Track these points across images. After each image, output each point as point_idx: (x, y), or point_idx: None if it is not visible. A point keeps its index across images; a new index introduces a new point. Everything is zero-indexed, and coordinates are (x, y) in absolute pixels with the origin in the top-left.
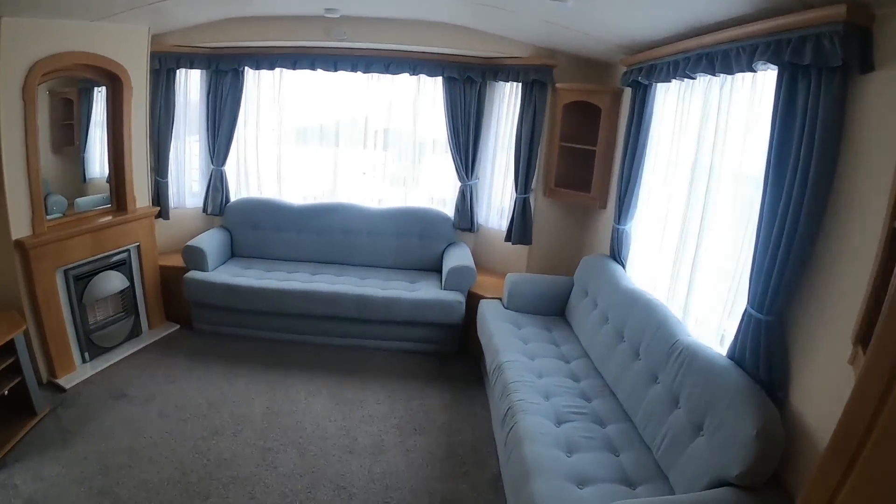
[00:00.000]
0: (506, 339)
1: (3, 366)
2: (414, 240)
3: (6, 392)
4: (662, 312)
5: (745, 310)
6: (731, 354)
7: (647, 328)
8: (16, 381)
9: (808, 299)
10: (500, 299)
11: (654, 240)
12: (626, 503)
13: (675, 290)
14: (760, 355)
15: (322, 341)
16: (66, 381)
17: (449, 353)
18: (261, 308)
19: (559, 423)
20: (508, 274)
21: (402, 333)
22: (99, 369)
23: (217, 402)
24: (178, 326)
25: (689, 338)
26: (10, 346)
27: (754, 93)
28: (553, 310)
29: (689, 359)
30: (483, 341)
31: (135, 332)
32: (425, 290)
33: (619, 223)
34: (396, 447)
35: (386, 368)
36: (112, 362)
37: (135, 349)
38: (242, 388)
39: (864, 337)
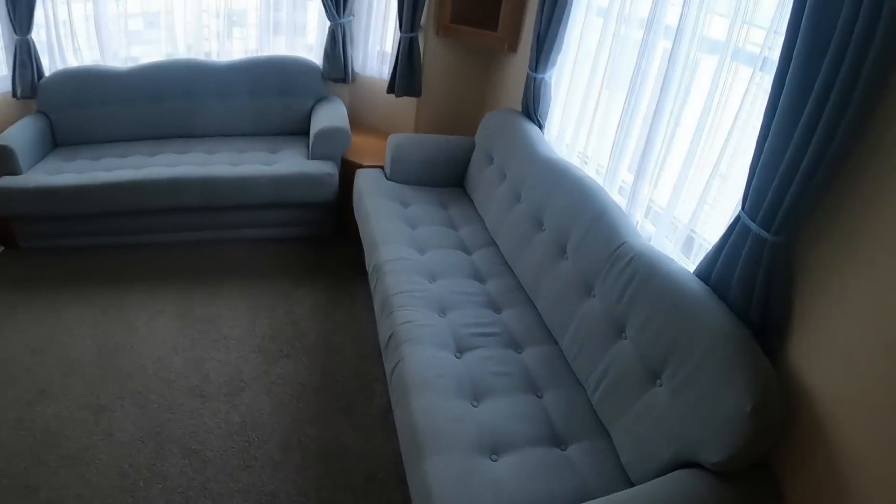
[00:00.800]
0: (388, 224)
1: None
2: (273, 98)
3: None
4: (600, 199)
5: (739, 221)
6: (705, 275)
7: (578, 218)
8: None
9: (838, 216)
10: (383, 168)
11: (587, 97)
12: None
13: (617, 171)
14: (756, 287)
15: (167, 240)
16: None
17: (324, 238)
18: (88, 210)
19: (461, 351)
20: (391, 135)
21: (265, 218)
22: None
23: (43, 348)
24: (3, 248)
25: (641, 241)
26: None
27: None
28: (449, 180)
29: (642, 273)
30: (360, 227)
31: None
32: (288, 162)
33: (536, 70)
34: (258, 380)
35: (246, 266)
36: None
37: None
38: (73, 322)
39: None
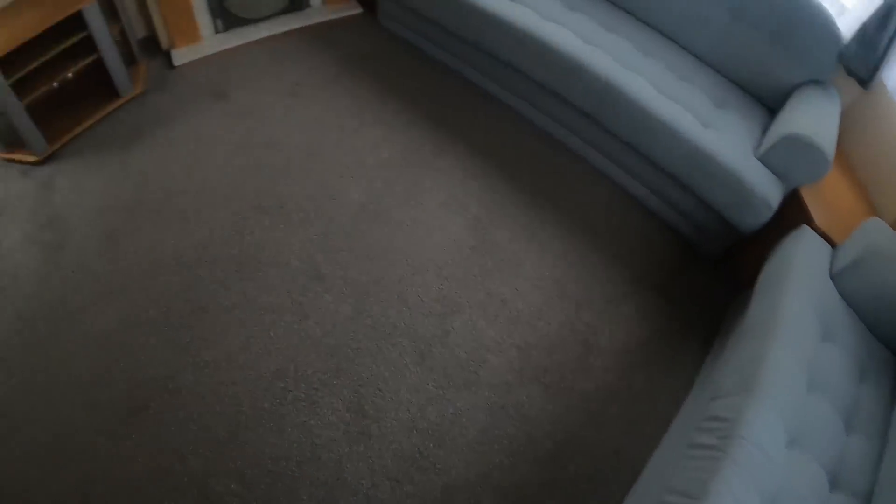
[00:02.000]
0: (788, 361)
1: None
2: (757, 36)
3: (70, 75)
4: None
5: None
6: None
7: None
8: (87, 60)
9: None
10: (834, 247)
11: None
12: None
13: None
14: None
15: (528, 115)
16: (181, 54)
17: (698, 251)
18: (460, 30)
19: None
20: (873, 219)
21: (648, 176)
22: (226, 46)
23: (320, 147)
24: (361, 11)
25: None
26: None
27: None
28: None
29: None
30: (753, 315)
31: (298, 4)
32: (726, 140)
33: None
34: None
35: (589, 217)
36: (249, 40)
37: (287, 28)
38: (372, 143)
39: None
